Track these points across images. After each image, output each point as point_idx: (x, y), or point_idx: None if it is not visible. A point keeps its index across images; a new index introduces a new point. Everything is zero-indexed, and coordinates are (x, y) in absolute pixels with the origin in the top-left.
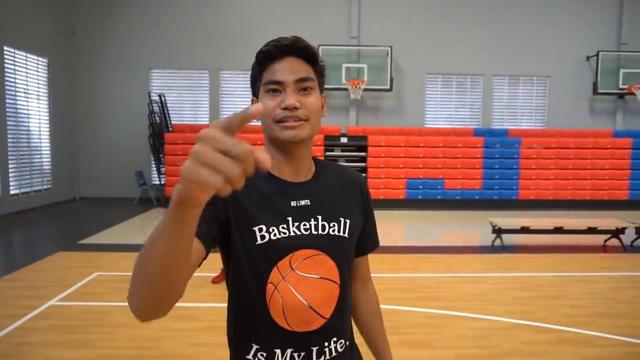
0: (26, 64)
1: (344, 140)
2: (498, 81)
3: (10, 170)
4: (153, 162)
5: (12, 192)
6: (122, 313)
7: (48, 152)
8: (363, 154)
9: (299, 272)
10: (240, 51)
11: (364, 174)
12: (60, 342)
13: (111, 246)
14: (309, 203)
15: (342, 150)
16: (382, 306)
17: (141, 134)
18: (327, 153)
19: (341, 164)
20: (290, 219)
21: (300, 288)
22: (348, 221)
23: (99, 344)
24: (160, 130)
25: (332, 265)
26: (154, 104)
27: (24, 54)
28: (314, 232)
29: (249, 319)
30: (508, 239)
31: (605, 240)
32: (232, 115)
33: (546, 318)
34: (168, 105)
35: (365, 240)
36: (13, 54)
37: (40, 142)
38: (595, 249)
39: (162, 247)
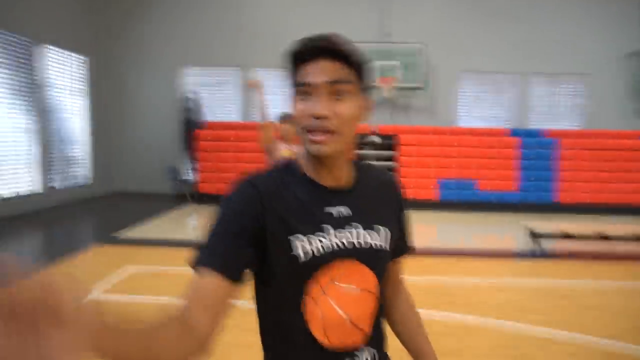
0: (67, 63)
1: (374, 139)
2: (535, 80)
3: (51, 166)
4: (185, 158)
5: (52, 187)
6: (156, 308)
7: (88, 148)
8: (394, 152)
9: (338, 284)
10: (271, 48)
11: (394, 174)
12: None
13: (145, 241)
14: (350, 212)
15: (373, 149)
16: None
17: (174, 130)
18: (358, 152)
19: (372, 163)
20: (329, 227)
21: (340, 301)
22: (388, 230)
23: None
24: (193, 127)
25: (371, 277)
26: (187, 101)
27: (66, 52)
28: (355, 243)
29: (285, 340)
30: (546, 244)
31: None
32: None
33: (586, 329)
34: (201, 102)
35: (399, 243)
36: (55, 52)
37: (80, 138)
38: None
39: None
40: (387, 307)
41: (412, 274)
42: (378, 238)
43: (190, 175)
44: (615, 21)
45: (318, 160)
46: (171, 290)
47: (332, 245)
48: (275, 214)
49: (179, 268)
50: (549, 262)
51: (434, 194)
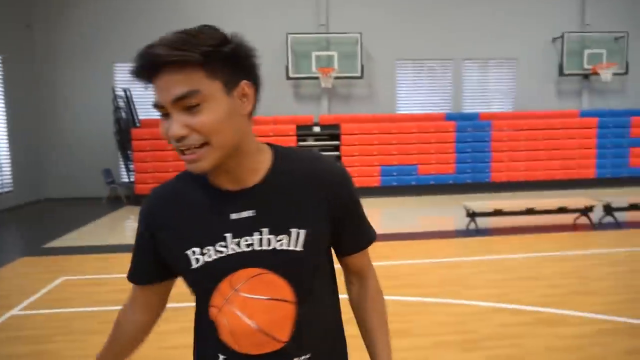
0: None
1: (316, 129)
2: (468, 65)
3: None
4: (121, 159)
5: None
6: (91, 319)
7: (7, 153)
8: (336, 142)
9: (243, 294)
10: None
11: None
12: (24, 355)
13: (79, 249)
14: (253, 214)
15: (315, 140)
16: None
17: (107, 130)
18: (300, 143)
19: (317, 153)
20: (228, 235)
21: (248, 311)
22: (303, 232)
23: (67, 353)
24: (127, 126)
25: (282, 284)
26: (119, 99)
27: None
28: (256, 248)
29: (202, 340)
30: (482, 222)
31: (575, 219)
32: None
33: (522, 300)
34: (135, 100)
35: (346, 240)
36: None
37: None
38: (567, 228)
39: None
40: (352, 307)
41: None
42: (287, 241)
43: (126, 177)
44: (541, 7)
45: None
46: (107, 299)
47: (229, 253)
48: (168, 228)
49: (116, 275)
50: (485, 238)
51: (376, 181)
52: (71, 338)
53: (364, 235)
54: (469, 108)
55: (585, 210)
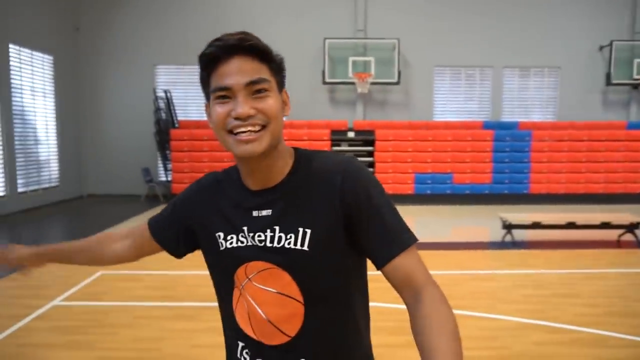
0: (32, 62)
1: (350, 134)
2: (508, 73)
3: (17, 168)
4: (160, 158)
5: (19, 190)
6: (124, 313)
7: (55, 149)
8: (370, 148)
9: (255, 284)
10: None
11: (371, 169)
12: (61, 344)
13: None
14: (270, 213)
15: (350, 145)
16: (387, 305)
17: (147, 130)
18: (334, 148)
19: (343, 155)
20: (245, 228)
21: (258, 300)
22: (309, 231)
23: (100, 345)
24: (166, 127)
25: (289, 281)
26: (159, 101)
27: (29, 51)
28: (268, 244)
29: (228, 322)
30: (519, 234)
31: (620, 236)
32: None
33: (558, 317)
34: (174, 101)
35: (375, 247)
36: (18, 52)
37: (47, 140)
38: (609, 245)
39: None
40: (413, 334)
41: None
42: (294, 239)
43: (164, 176)
44: (587, 15)
45: (243, 163)
46: (142, 295)
47: (247, 245)
48: (206, 211)
49: (151, 272)
50: (522, 251)
51: (410, 189)
52: (105, 331)
53: (393, 239)
54: (508, 117)
55: (631, 227)
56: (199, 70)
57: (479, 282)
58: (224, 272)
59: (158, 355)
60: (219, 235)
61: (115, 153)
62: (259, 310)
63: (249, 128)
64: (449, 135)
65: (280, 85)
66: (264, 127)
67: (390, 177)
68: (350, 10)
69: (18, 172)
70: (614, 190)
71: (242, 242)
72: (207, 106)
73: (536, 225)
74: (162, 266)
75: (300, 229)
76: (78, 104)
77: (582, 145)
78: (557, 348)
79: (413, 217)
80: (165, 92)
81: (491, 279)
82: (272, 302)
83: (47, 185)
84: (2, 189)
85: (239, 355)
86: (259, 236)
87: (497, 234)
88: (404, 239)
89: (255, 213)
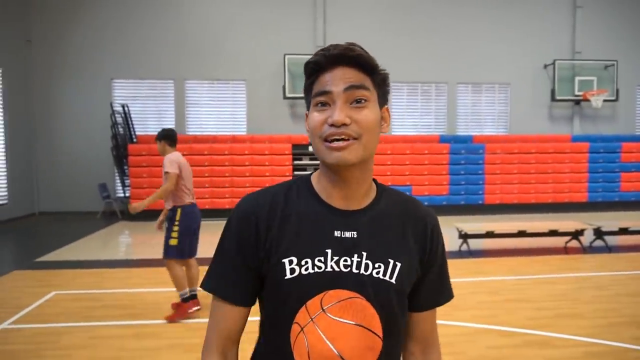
0: None
1: (311, 149)
2: (461, 88)
3: None
4: (117, 174)
5: None
6: (80, 334)
7: (4, 165)
8: None
9: (330, 315)
10: (206, 61)
11: None
12: None
13: (72, 263)
14: (355, 235)
15: (310, 159)
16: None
17: (104, 145)
18: (296, 162)
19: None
20: (329, 251)
21: (331, 334)
22: (398, 264)
23: None
24: (124, 142)
25: (372, 313)
26: (116, 115)
27: None
28: (354, 270)
29: (272, 358)
30: (474, 243)
31: (567, 242)
32: None
33: (510, 322)
34: (132, 115)
35: (426, 292)
36: None
37: None
38: (557, 251)
39: None
40: None
41: None
42: (383, 270)
43: (121, 192)
44: (533, 34)
45: (334, 173)
46: (100, 314)
47: (327, 270)
48: (271, 236)
49: (107, 291)
50: (477, 260)
51: None
52: (59, 353)
53: (446, 291)
54: (462, 131)
55: (576, 234)
56: (157, 83)
57: None
58: (287, 304)
59: None
60: (290, 261)
61: (70, 169)
62: (330, 346)
63: (343, 137)
64: (407, 149)
65: (382, 99)
66: (356, 139)
67: None
68: (310, 26)
69: None
70: (561, 199)
71: (319, 268)
72: (307, 115)
73: (490, 235)
74: (119, 284)
75: (391, 261)
76: (29, 118)
77: (531, 157)
78: (510, 350)
79: None
80: (123, 106)
81: None
82: (349, 335)
83: None
84: None
85: None
86: (345, 260)
87: (454, 243)
88: (451, 292)
89: (337, 233)
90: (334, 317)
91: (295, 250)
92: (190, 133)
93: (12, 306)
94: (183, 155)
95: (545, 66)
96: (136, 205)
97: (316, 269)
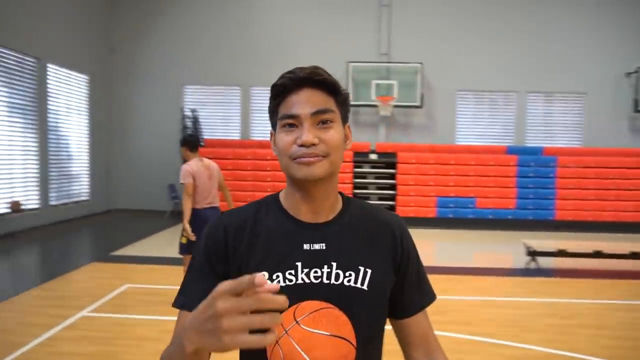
0: (68, 81)
1: (373, 157)
2: (532, 98)
3: (50, 182)
4: None
5: (51, 204)
6: (149, 326)
7: (87, 165)
8: (392, 171)
9: (304, 327)
10: (271, 68)
11: (393, 192)
12: (88, 354)
13: (143, 258)
14: (324, 247)
15: (371, 167)
16: None
17: (173, 148)
18: (356, 169)
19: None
20: (299, 264)
21: (305, 345)
22: (369, 271)
23: (125, 357)
24: None
25: (344, 321)
26: (186, 119)
27: (67, 71)
28: (325, 280)
29: None
30: (544, 262)
31: None
32: (239, 282)
33: (584, 349)
34: (200, 120)
35: (409, 296)
36: (57, 71)
37: (80, 155)
38: (638, 276)
39: None
40: None
41: None
42: (354, 278)
43: None
44: (613, 41)
45: (302, 189)
46: (166, 309)
47: (298, 282)
48: (240, 252)
49: (174, 287)
50: (546, 280)
51: (432, 212)
52: (131, 343)
53: (426, 293)
54: (532, 142)
55: None
56: (224, 90)
57: (501, 309)
58: None
59: None
60: (262, 276)
61: (143, 169)
62: (305, 356)
63: (311, 155)
64: (472, 160)
65: (344, 118)
66: (324, 157)
67: (413, 200)
68: (374, 35)
69: (50, 186)
70: None
71: (290, 281)
72: (272, 134)
73: (562, 253)
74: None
75: (361, 268)
76: (109, 121)
77: (610, 172)
78: None
79: (435, 241)
80: (192, 111)
81: (514, 307)
82: (323, 345)
83: (77, 199)
84: (36, 202)
85: None
86: (315, 272)
87: (521, 260)
88: (432, 294)
89: (306, 246)
90: (307, 329)
91: (266, 265)
92: (255, 138)
93: (91, 295)
94: (248, 159)
95: (628, 74)
96: (186, 227)
97: (287, 282)
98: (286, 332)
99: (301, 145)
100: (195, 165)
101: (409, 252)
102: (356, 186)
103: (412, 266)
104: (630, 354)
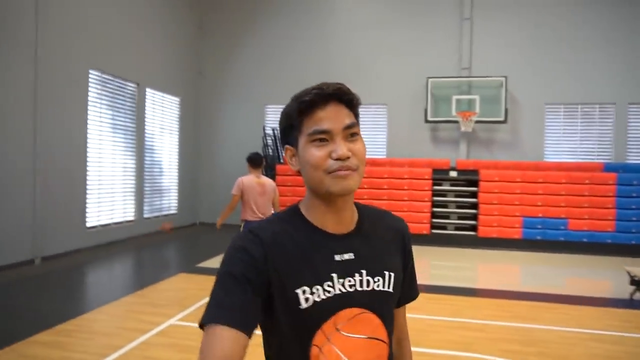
0: (162, 103)
1: (453, 174)
2: (634, 110)
3: (144, 196)
4: None
5: (145, 216)
6: None
7: (176, 180)
8: (474, 189)
9: (344, 333)
10: (350, 85)
11: (475, 210)
12: None
13: None
14: (352, 257)
15: (452, 185)
16: (494, 358)
17: None
18: (435, 187)
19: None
20: (334, 275)
21: (347, 350)
22: (393, 274)
23: None
24: (272, 162)
25: (378, 324)
26: (267, 138)
27: (161, 94)
28: (359, 288)
29: None
30: None
31: None
32: None
33: None
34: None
35: (404, 289)
36: (153, 95)
37: (170, 171)
38: None
39: None
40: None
41: (497, 319)
42: (382, 282)
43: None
44: None
45: (330, 202)
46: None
47: (336, 293)
48: (279, 266)
49: None
50: None
51: (517, 233)
52: None
53: (415, 288)
54: (634, 158)
55: None
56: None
57: (602, 344)
58: (304, 330)
59: None
60: (304, 291)
61: (226, 185)
62: None
63: (346, 168)
64: (563, 177)
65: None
66: (354, 170)
67: (496, 220)
68: (455, 49)
69: (145, 200)
70: None
71: (328, 292)
72: (289, 149)
73: None
74: None
75: (386, 272)
76: (197, 140)
77: None
78: None
79: (520, 264)
80: (273, 129)
81: (618, 342)
82: (363, 348)
83: (167, 212)
84: (133, 214)
85: None
86: (349, 281)
87: (623, 289)
88: (416, 290)
89: (337, 257)
90: (347, 334)
91: (305, 280)
92: None
93: (179, 305)
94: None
95: None
96: (218, 222)
97: (327, 294)
98: (329, 340)
99: (337, 159)
100: (247, 180)
101: (411, 252)
102: (435, 204)
103: (411, 262)
104: None
